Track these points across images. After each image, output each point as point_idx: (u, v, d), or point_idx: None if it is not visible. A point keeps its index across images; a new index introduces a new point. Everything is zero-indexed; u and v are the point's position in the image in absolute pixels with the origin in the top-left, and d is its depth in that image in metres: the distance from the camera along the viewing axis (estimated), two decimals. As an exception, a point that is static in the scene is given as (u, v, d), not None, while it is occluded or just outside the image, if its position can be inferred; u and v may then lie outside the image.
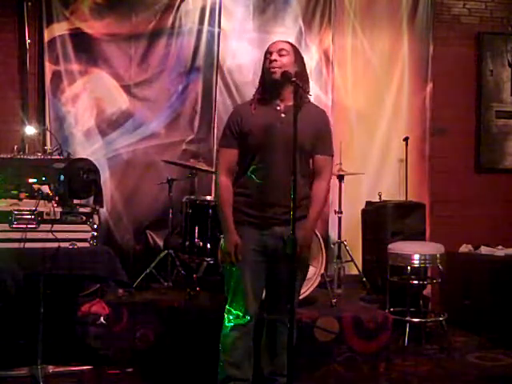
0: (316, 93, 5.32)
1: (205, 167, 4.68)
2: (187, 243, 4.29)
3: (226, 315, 3.02)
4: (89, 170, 3.74)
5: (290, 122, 2.84)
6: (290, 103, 2.97)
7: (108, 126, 5.08)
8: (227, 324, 3.00)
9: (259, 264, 2.98)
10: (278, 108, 2.99)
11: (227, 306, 3.02)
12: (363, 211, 5.22)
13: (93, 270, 3.63)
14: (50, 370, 3.65)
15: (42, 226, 3.54)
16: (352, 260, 4.91)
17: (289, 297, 2.67)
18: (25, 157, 4.01)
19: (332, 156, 3.13)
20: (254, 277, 2.97)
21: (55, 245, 3.48)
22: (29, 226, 3.50)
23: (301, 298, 3.94)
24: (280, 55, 2.97)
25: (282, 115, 2.97)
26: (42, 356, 3.61)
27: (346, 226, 4.93)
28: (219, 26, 5.21)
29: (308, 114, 2.98)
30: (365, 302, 4.53)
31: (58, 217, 3.59)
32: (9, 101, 4.92)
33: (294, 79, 2.75)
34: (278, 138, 2.91)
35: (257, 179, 2.95)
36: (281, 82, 2.94)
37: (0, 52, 4.94)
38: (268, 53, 3.00)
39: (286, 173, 2.86)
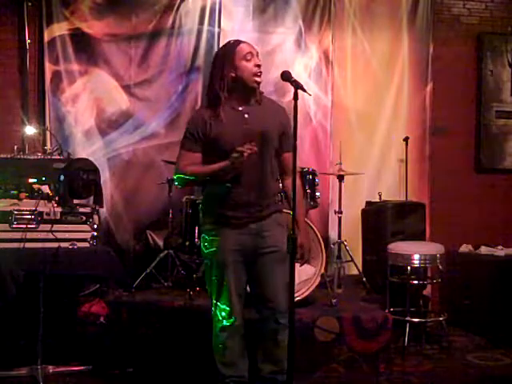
0: (316, 93, 5.34)
1: (205, 167, 4.67)
2: (187, 243, 4.29)
3: (213, 316, 3.04)
4: (89, 170, 3.75)
5: (255, 122, 2.92)
6: (251, 103, 2.98)
7: (108, 126, 5.08)
8: (215, 325, 3.03)
9: (239, 264, 2.99)
10: (240, 109, 2.96)
11: (213, 308, 3.04)
12: (363, 211, 5.21)
13: (93, 270, 3.63)
14: (50, 370, 3.65)
15: (41, 226, 3.54)
16: (352, 260, 4.91)
17: (289, 298, 2.67)
18: (25, 157, 4.01)
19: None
20: (236, 277, 2.99)
21: (55, 245, 3.49)
22: (29, 226, 3.50)
23: (301, 298, 3.97)
24: (259, 60, 2.98)
25: (246, 116, 2.95)
26: (42, 356, 3.61)
27: (346, 226, 4.92)
28: (219, 26, 5.21)
29: (270, 111, 3.00)
30: (365, 302, 4.52)
31: (58, 217, 3.59)
32: (9, 101, 4.92)
33: (294, 79, 2.75)
34: (245, 139, 2.86)
35: (229, 181, 2.92)
36: (258, 86, 2.95)
37: (0, 52, 4.94)
38: (249, 53, 2.95)
39: (257, 172, 2.93)
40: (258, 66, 2.95)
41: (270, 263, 2.98)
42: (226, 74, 2.92)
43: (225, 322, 3.00)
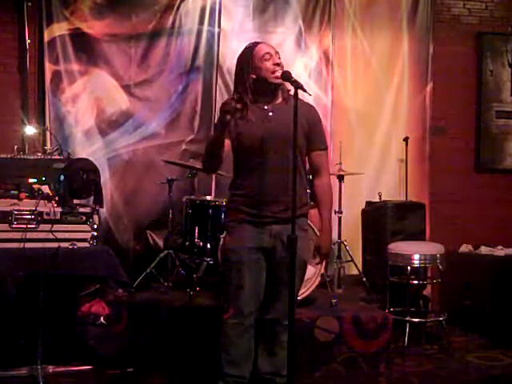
0: (316, 93, 5.34)
1: (205, 167, 4.67)
2: (187, 243, 4.29)
3: (224, 313, 3.03)
4: (89, 170, 3.74)
5: (279, 119, 2.92)
6: (277, 101, 2.99)
7: (108, 126, 5.08)
8: (225, 322, 3.01)
9: (258, 263, 2.98)
10: (266, 107, 2.98)
11: (226, 304, 3.03)
12: (363, 211, 5.22)
13: (93, 270, 3.63)
14: (50, 370, 3.65)
15: (41, 225, 3.53)
16: (352, 260, 4.91)
17: (289, 297, 2.67)
18: (25, 157, 4.00)
19: (327, 149, 3.13)
20: (253, 276, 2.97)
21: (55, 245, 3.48)
22: (29, 226, 3.49)
23: (301, 298, 3.97)
24: (279, 58, 2.99)
25: (270, 114, 2.97)
26: (41, 356, 3.61)
27: (346, 226, 4.93)
28: (219, 26, 5.21)
29: (298, 110, 3.00)
30: (365, 302, 4.53)
31: (58, 217, 3.58)
32: (9, 101, 4.92)
33: (294, 79, 2.75)
34: (268, 137, 2.91)
35: (252, 179, 2.94)
36: (280, 83, 2.95)
37: (0, 52, 4.94)
38: (267, 53, 2.97)
39: (280, 170, 2.91)
40: (277, 64, 2.95)
41: (283, 268, 2.93)
42: (247, 77, 2.95)
43: (236, 320, 2.97)
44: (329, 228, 3.10)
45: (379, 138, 5.54)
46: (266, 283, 3.04)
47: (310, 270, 4.02)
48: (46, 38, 4.94)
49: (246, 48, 3.06)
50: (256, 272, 2.98)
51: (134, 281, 4.34)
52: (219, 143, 2.92)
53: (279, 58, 2.98)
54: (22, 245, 3.42)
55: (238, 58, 3.06)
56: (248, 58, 2.98)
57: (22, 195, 3.64)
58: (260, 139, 2.92)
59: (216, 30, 5.20)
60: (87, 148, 5.00)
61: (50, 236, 3.51)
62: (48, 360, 3.65)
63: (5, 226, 3.48)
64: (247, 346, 3.04)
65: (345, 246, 4.87)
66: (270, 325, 3.06)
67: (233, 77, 5.05)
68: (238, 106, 2.77)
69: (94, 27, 5.02)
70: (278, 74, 2.93)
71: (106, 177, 4.89)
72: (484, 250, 5.22)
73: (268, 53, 2.97)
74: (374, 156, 5.53)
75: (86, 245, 3.62)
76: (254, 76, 2.95)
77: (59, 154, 4.09)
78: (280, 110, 2.97)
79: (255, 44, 3.04)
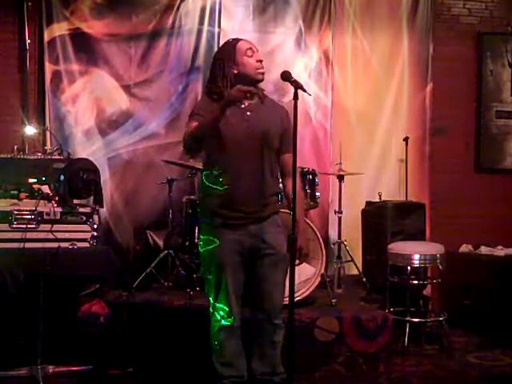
0: (316, 93, 5.34)
1: (205, 167, 4.68)
2: (187, 243, 4.29)
3: (211, 317, 3.04)
4: (89, 170, 3.74)
5: (256, 120, 2.93)
6: (254, 100, 2.97)
7: (108, 125, 5.08)
8: (213, 325, 3.03)
9: (238, 265, 2.98)
10: (243, 106, 2.96)
11: (211, 308, 3.03)
12: (363, 211, 5.22)
13: (93, 270, 3.64)
14: (50, 370, 3.64)
15: (41, 226, 3.53)
16: (352, 260, 4.91)
17: (289, 297, 2.67)
18: (25, 157, 4.01)
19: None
20: (235, 278, 2.98)
21: (55, 245, 3.48)
22: (29, 226, 3.49)
23: (301, 298, 3.97)
24: (260, 55, 3.00)
25: (248, 113, 2.96)
26: (41, 356, 3.61)
27: (346, 225, 4.92)
28: (219, 26, 5.21)
29: (272, 111, 3.00)
30: (365, 302, 4.52)
31: (58, 217, 3.58)
32: (9, 101, 4.92)
33: (294, 79, 2.75)
34: (245, 136, 2.90)
35: (227, 179, 2.92)
36: (261, 79, 2.96)
37: (0, 52, 4.94)
38: (249, 50, 2.97)
39: (256, 171, 2.92)
40: (260, 61, 2.97)
41: (268, 265, 2.98)
42: (228, 71, 2.94)
43: (223, 322, 2.99)
44: (304, 227, 3.11)
45: (379, 138, 5.54)
46: (250, 284, 3.04)
47: (310, 270, 4.04)
48: (46, 37, 4.94)
49: (226, 43, 3.06)
50: (237, 275, 2.99)
51: (134, 281, 4.34)
52: (216, 126, 2.85)
53: (260, 56, 3.00)
54: (22, 245, 3.43)
55: (219, 52, 3.08)
56: (230, 52, 2.97)
57: (22, 195, 3.64)
58: (239, 140, 2.89)
59: (216, 30, 5.20)
60: (87, 148, 5.00)
61: (50, 236, 3.51)
62: (48, 360, 3.65)
63: (5, 226, 3.48)
64: (238, 345, 3.06)
65: (345, 245, 4.86)
66: (259, 325, 3.06)
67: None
68: (248, 94, 2.73)
69: (94, 27, 5.02)
70: (262, 70, 2.95)
71: (106, 177, 4.89)
72: (484, 249, 5.23)
73: (250, 48, 2.98)
74: (374, 156, 5.53)
75: (86, 245, 3.62)
76: (235, 71, 2.95)
77: (59, 154, 4.10)
78: (257, 110, 2.97)
79: (236, 40, 3.04)
